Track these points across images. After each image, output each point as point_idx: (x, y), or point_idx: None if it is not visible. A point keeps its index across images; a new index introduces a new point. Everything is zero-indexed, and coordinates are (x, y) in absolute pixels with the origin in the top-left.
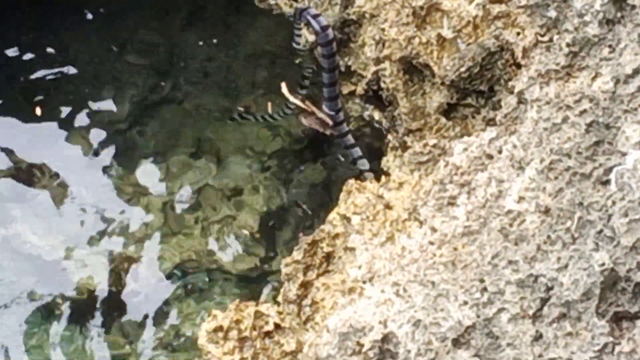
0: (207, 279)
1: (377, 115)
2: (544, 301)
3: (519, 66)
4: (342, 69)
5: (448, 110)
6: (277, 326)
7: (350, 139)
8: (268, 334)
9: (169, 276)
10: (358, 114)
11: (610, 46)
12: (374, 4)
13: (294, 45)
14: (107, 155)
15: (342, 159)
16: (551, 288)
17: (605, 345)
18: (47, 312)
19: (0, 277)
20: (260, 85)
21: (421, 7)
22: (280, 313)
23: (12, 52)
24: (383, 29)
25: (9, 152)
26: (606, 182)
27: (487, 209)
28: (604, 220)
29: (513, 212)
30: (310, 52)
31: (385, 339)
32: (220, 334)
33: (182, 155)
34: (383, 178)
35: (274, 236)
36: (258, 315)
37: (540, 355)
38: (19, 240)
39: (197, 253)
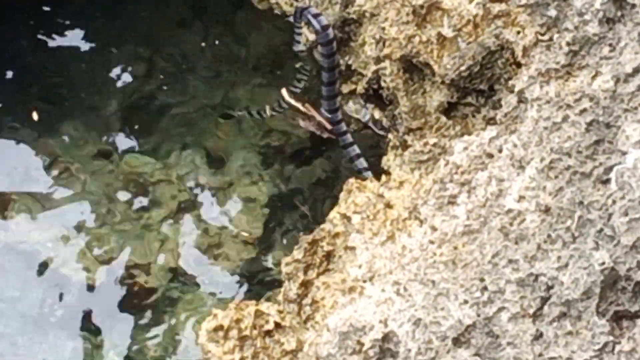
0: (206, 278)
1: (377, 114)
2: (544, 300)
3: (519, 65)
4: (343, 67)
5: (448, 109)
6: (278, 325)
7: (348, 137)
8: (268, 333)
9: (167, 276)
10: (357, 115)
11: (610, 45)
12: (374, 3)
13: (294, 48)
14: (106, 154)
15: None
16: (551, 287)
17: (606, 344)
18: (40, 312)
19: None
20: (260, 85)
21: (421, 6)
22: (280, 312)
23: (11, 52)
24: (383, 28)
25: (7, 154)
26: (606, 181)
27: (487, 208)
28: (604, 219)
29: (513, 211)
30: (310, 55)
31: (386, 338)
32: (221, 333)
33: (180, 154)
34: (383, 177)
35: (273, 235)
36: (258, 314)
37: (540, 354)
38: (14, 238)
39: (196, 251)
